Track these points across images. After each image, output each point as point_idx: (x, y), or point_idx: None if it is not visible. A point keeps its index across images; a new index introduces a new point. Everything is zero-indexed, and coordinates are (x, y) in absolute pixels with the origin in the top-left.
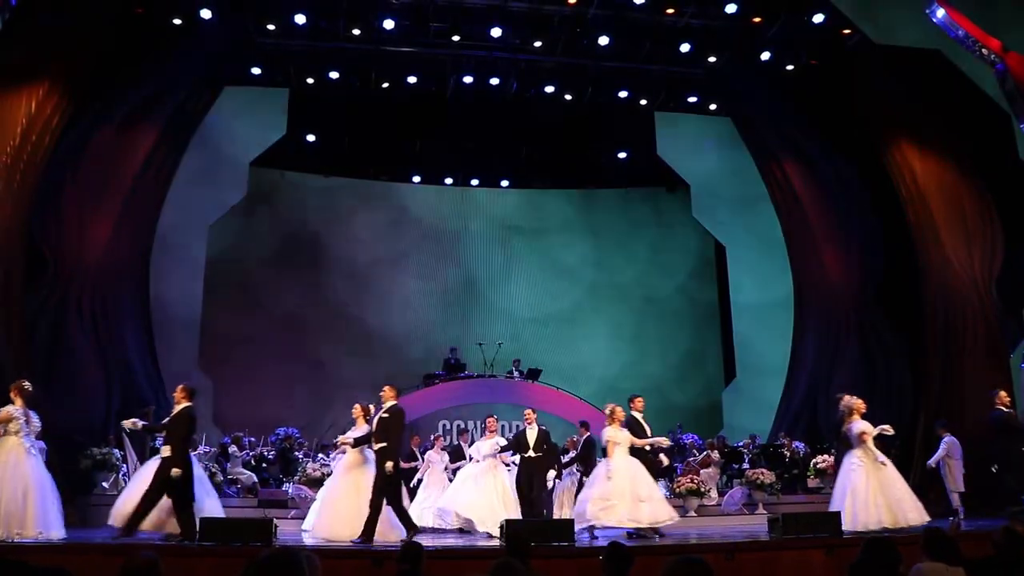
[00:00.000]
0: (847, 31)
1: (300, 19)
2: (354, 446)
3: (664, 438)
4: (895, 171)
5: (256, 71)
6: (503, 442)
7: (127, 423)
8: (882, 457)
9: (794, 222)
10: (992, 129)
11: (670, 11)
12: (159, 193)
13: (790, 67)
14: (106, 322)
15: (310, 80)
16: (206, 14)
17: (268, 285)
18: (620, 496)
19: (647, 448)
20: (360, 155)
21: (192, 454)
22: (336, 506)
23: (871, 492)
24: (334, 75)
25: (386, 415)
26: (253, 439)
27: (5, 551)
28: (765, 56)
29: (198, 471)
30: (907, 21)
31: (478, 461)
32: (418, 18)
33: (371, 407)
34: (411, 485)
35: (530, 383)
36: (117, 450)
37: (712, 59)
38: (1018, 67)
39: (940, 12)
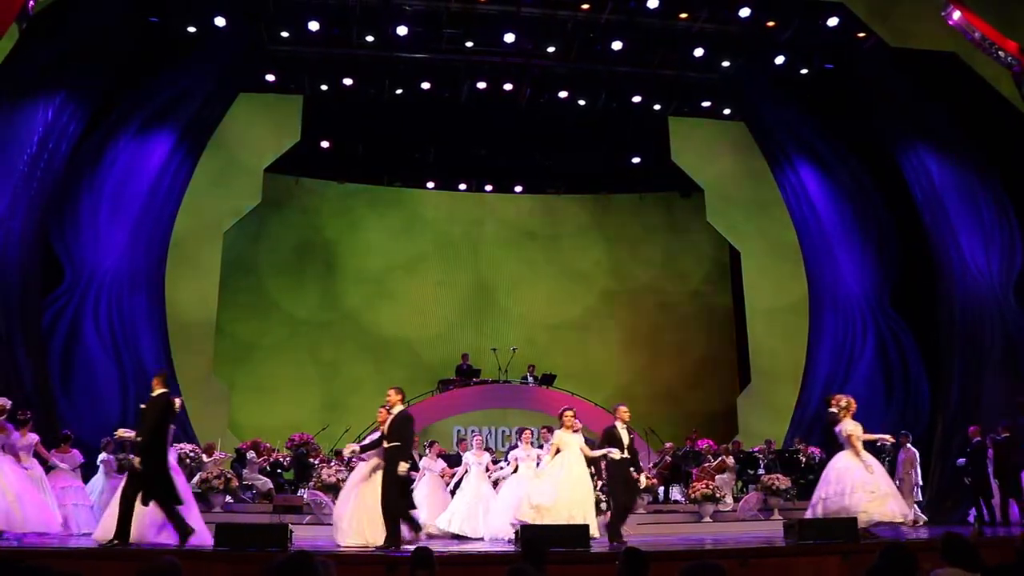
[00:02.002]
0: (862, 34)
1: (314, 26)
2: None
3: (888, 436)
4: (911, 174)
5: (270, 78)
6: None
7: None
8: None
9: (809, 226)
10: (1009, 131)
11: (683, 16)
12: (174, 200)
13: (804, 71)
14: (122, 328)
15: (324, 87)
16: (220, 22)
17: (283, 291)
18: (887, 489)
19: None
20: (374, 161)
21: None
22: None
23: None
24: (348, 82)
25: (148, 407)
26: (269, 444)
27: (28, 556)
28: (779, 60)
29: None
30: (922, 23)
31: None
32: (431, 24)
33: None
34: (450, 488)
35: (544, 388)
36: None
37: (726, 63)
38: None
39: (956, 14)
